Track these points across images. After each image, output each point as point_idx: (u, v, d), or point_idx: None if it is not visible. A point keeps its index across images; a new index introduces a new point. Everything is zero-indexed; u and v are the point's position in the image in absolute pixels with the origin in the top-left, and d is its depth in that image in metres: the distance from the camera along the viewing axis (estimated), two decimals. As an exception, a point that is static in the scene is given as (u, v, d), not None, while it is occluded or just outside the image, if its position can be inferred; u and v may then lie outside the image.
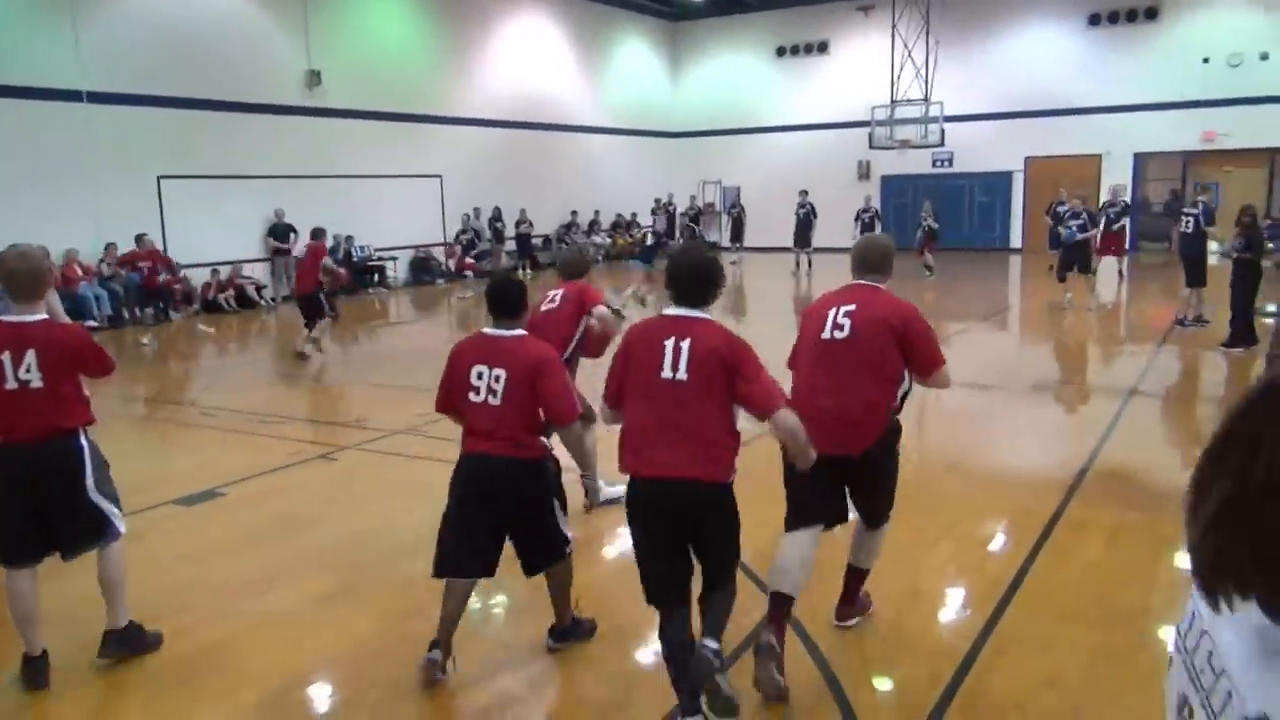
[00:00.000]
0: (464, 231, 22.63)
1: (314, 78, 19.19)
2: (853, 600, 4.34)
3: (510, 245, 23.62)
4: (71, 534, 4.02)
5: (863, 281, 4.19)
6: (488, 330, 3.99)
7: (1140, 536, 5.36)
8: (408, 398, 9.69)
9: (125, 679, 4.05)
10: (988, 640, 4.10)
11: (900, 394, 4.08)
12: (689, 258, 3.58)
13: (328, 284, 12.14)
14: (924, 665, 3.93)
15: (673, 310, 3.49)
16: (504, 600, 4.80)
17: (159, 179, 16.71)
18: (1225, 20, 22.87)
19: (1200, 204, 13.03)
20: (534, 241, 24.18)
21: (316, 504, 6.36)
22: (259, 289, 18.09)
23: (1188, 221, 12.95)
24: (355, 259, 19.70)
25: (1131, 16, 24.06)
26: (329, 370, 12.10)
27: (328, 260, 12.44)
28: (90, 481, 3.97)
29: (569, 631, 4.20)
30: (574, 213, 26.12)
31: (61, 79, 15.26)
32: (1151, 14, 23.86)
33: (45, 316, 3.93)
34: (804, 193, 22.38)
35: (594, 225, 26.73)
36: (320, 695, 3.97)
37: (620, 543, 5.31)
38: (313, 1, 19.11)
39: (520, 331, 3.99)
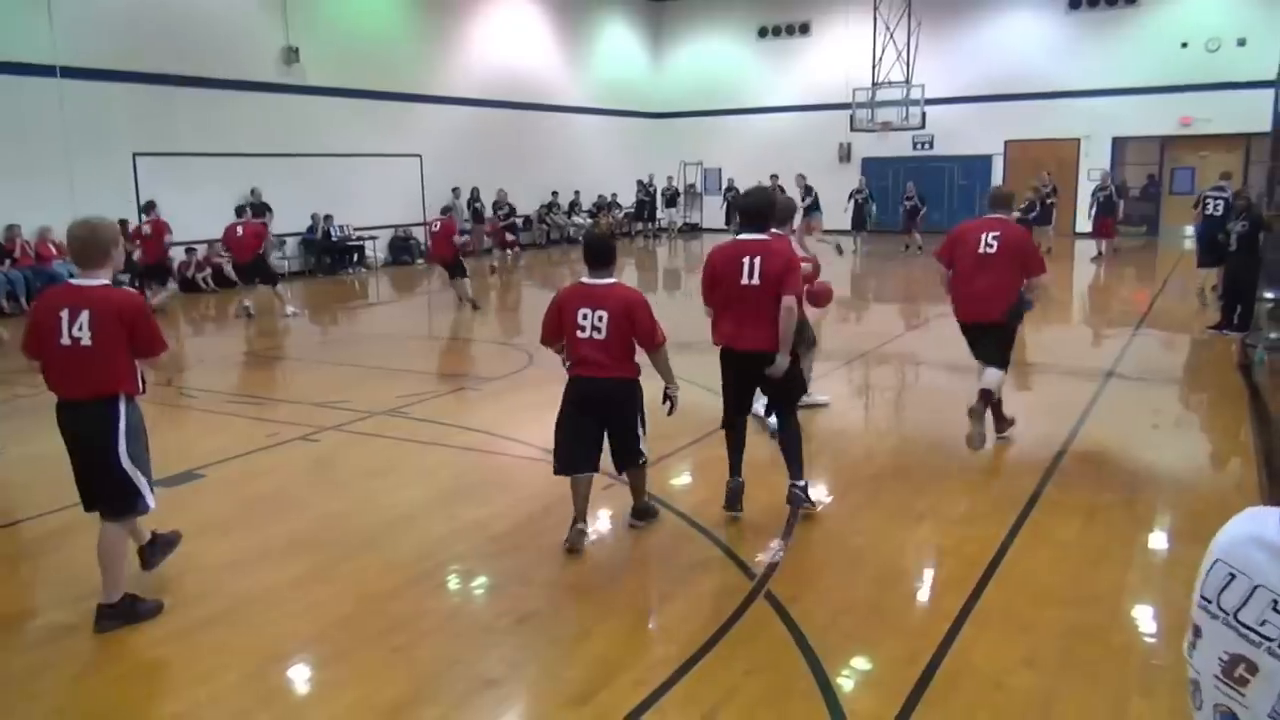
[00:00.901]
0: (499, 205, 22.61)
1: (292, 54, 18.97)
2: (1000, 419, 6.90)
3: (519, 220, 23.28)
4: (102, 495, 4.23)
5: (994, 215, 6.66)
6: (586, 280, 5.07)
7: (1116, 517, 5.43)
8: (389, 378, 9.66)
9: (105, 660, 4.03)
10: (967, 619, 4.15)
11: (1021, 290, 6.51)
12: (752, 197, 5.38)
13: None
14: (904, 644, 3.97)
15: (744, 235, 5.19)
16: (485, 581, 4.81)
17: (134, 156, 16.50)
18: (1203, 6, 23.00)
19: (1225, 188, 13.42)
20: (515, 221, 23.97)
21: (297, 486, 6.34)
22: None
23: (1216, 205, 13.11)
24: (334, 238, 19.55)
25: (1111, 1, 24.14)
26: (310, 350, 12.03)
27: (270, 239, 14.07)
28: (123, 446, 4.13)
29: (642, 512, 5.41)
30: (555, 193, 26.01)
31: (35, 54, 15.02)
32: (1131, -1, 23.95)
33: (106, 282, 4.16)
34: (774, 176, 22.76)
35: (574, 206, 26.63)
36: (300, 677, 3.96)
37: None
38: (290, -23, 18.87)
39: (612, 280, 5.08)
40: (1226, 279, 11.13)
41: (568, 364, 5.08)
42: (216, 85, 17.66)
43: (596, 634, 4.15)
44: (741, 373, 5.27)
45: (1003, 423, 6.89)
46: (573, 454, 5.02)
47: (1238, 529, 1.06)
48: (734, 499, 5.38)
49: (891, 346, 11.07)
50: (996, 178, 25.80)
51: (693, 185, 30.15)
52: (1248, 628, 1.01)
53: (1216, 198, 13.52)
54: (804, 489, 5.33)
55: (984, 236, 6.46)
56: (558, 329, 5.07)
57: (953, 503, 5.73)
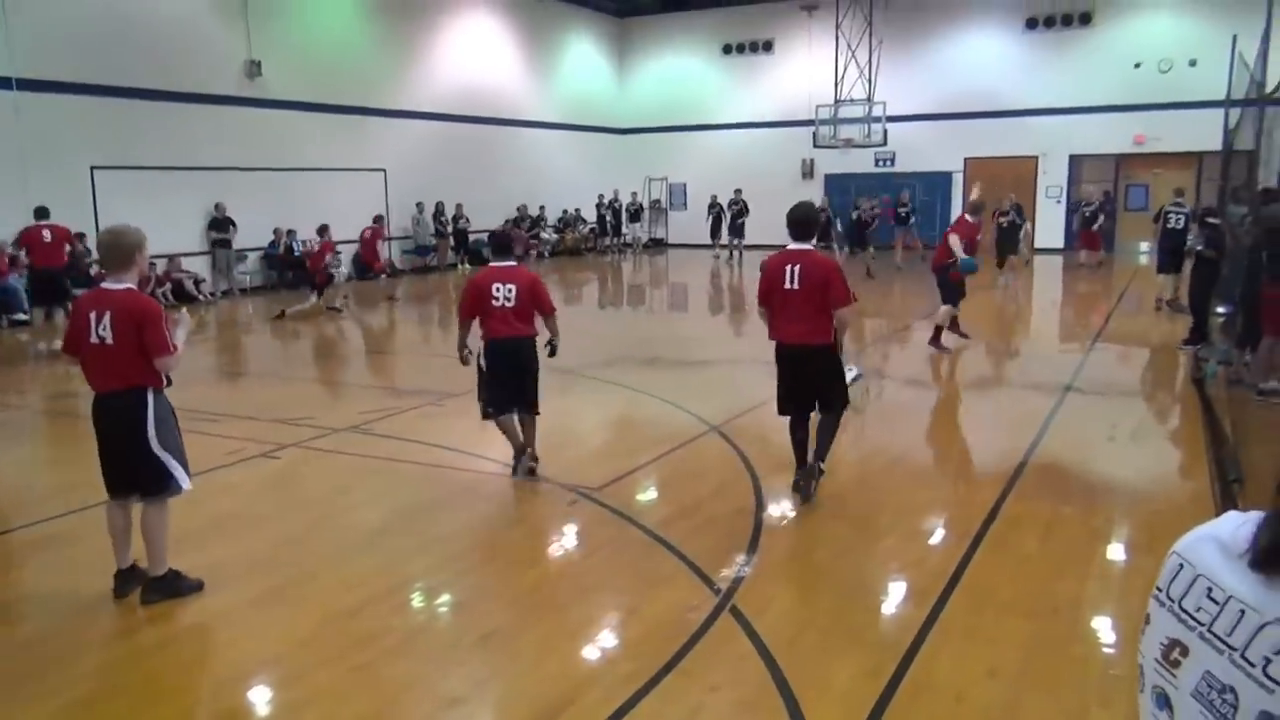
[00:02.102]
0: (521, 219, 24.73)
1: (254, 68, 18.82)
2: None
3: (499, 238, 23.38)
4: (138, 479, 4.61)
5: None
6: (495, 264, 6.53)
7: (1074, 529, 5.50)
8: (352, 394, 9.59)
9: (61, 682, 3.95)
10: (930, 632, 4.18)
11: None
12: (800, 210, 5.86)
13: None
14: (868, 657, 3.99)
15: (791, 246, 5.79)
16: (448, 599, 4.77)
17: (92, 169, 16.27)
18: (1156, 27, 23.53)
19: (1183, 203, 14.59)
20: (475, 237, 23.98)
21: (257, 503, 6.26)
22: (197, 282, 17.71)
23: (1178, 219, 14.15)
24: (296, 253, 19.36)
25: (1067, 21, 24.64)
26: (272, 366, 11.91)
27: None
28: (152, 434, 4.53)
29: (536, 457, 6.56)
30: (520, 208, 25.97)
31: (-11, 65, 14.78)
32: (1086, 19, 24.45)
33: (130, 286, 4.58)
34: (738, 190, 24.96)
35: (540, 220, 26.61)
36: (260, 699, 3.90)
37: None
38: (252, -10, 18.74)
39: (515, 263, 6.54)
40: (1190, 294, 11.38)
41: (484, 333, 6.38)
42: (177, 98, 17.47)
43: (561, 651, 4.14)
44: (791, 365, 5.88)
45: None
46: (499, 398, 6.38)
47: (1200, 529, 1.15)
48: (802, 488, 5.90)
49: (854, 361, 11.15)
50: (957, 194, 26.17)
51: (657, 201, 30.27)
52: (1186, 613, 1.10)
53: (1177, 212, 14.30)
54: (820, 468, 5.98)
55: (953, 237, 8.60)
56: (475, 306, 6.39)
57: (916, 516, 5.78)
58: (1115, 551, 5.33)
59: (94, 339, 4.47)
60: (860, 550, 5.26)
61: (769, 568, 4.98)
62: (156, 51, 17.05)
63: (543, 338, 6.54)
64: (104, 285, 4.62)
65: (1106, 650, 4.14)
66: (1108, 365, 10.76)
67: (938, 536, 5.49)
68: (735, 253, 25.02)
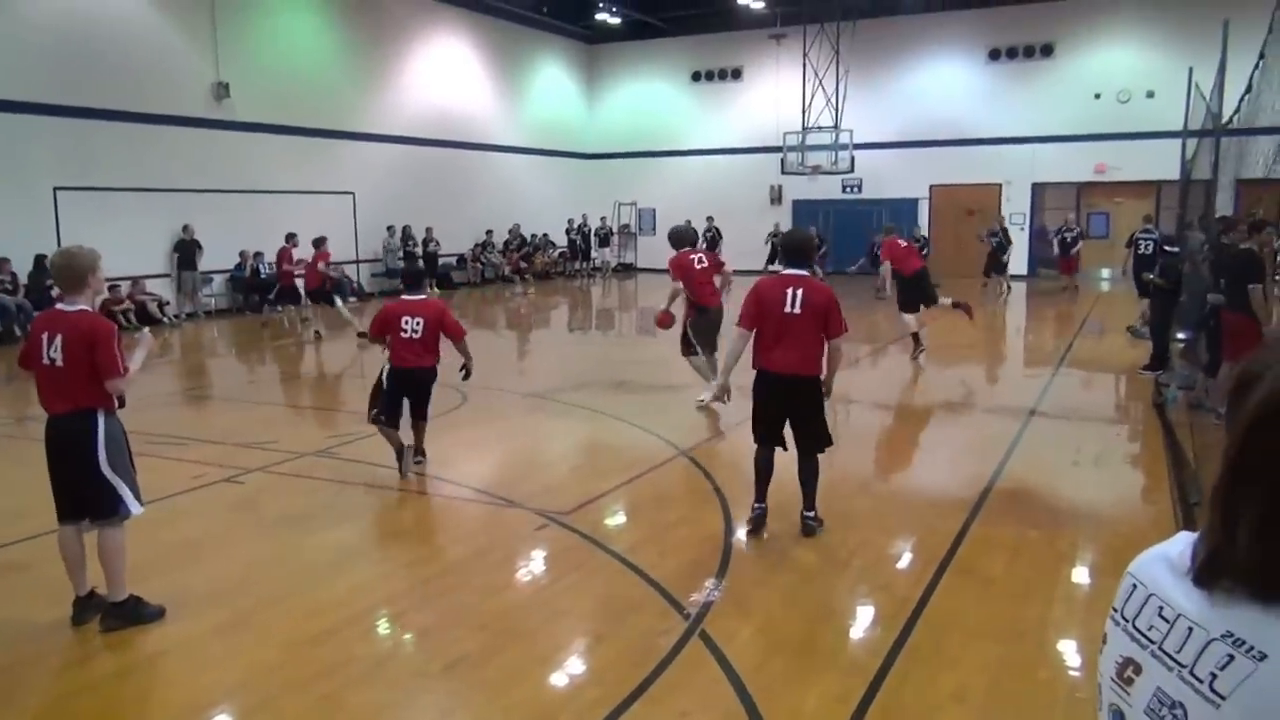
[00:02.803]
0: (514, 240, 25.68)
1: (222, 90, 18.73)
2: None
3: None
4: (87, 502, 4.54)
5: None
6: (406, 297, 7.10)
7: (1040, 553, 5.55)
8: (318, 418, 9.50)
9: (14, 714, 3.85)
10: (898, 657, 4.19)
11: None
12: (796, 236, 6.14)
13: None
14: (836, 683, 3.99)
15: (787, 270, 5.69)
16: (415, 625, 4.72)
17: (55, 190, 16.07)
18: (1115, 59, 24.06)
19: (1152, 230, 15.58)
20: (444, 261, 24.00)
21: (220, 529, 6.16)
22: (161, 305, 17.50)
23: (1147, 245, 15.11)
24: (263, 276, 19.21)
25: (1029, 53, 25.15)
26: (237, 390, 11.77)
27: None
28: (102, 456, 4.47)
29: (423, 452, 7.30)
30: (489, 232, 25.96)
31: (-50, 85, 14.60)
32: (1047, 51, 24.97)
33: (84, 308, 4.55)
34: (710, 218, 25.34)
35: (509, 244, 26.60)
36: (224, 727, 3.83)
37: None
38: (221, 12, 18.68)
39: (425, 296, 7.21)
40: (1150, 321, 11.58)
41: (390, 358, 6.98)
42: (143, 119, 17.33)
43: (529, 677, 4.10)
44: (779, 396, 5.63)
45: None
46: (392, 413, 6.98)
47: (1152, 549, 1.18)
48: (757, 525, 5.76)
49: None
50: (923, 221, 26.54)
51: (626, 225, 30.38)
52: (1139, 631, 1.12)
53: (1146, 238, 15.26)
54: (814, 517, 5.77)
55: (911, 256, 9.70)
56: (383, 330, 6.98)
57: (883, 540, 5.81)
58: (1080, 575, 5.38)
59: (45, 360, 4.45)
60: (828, 575, 5.27)
61: (738, 593, 4.97)
62: (122, 72, 16.93)
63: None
64: (58, 306, 4.61)
65: (1072, 673, 4.17)
66: (1072, 389, 10.91)
67: (905, 561, 5.52)
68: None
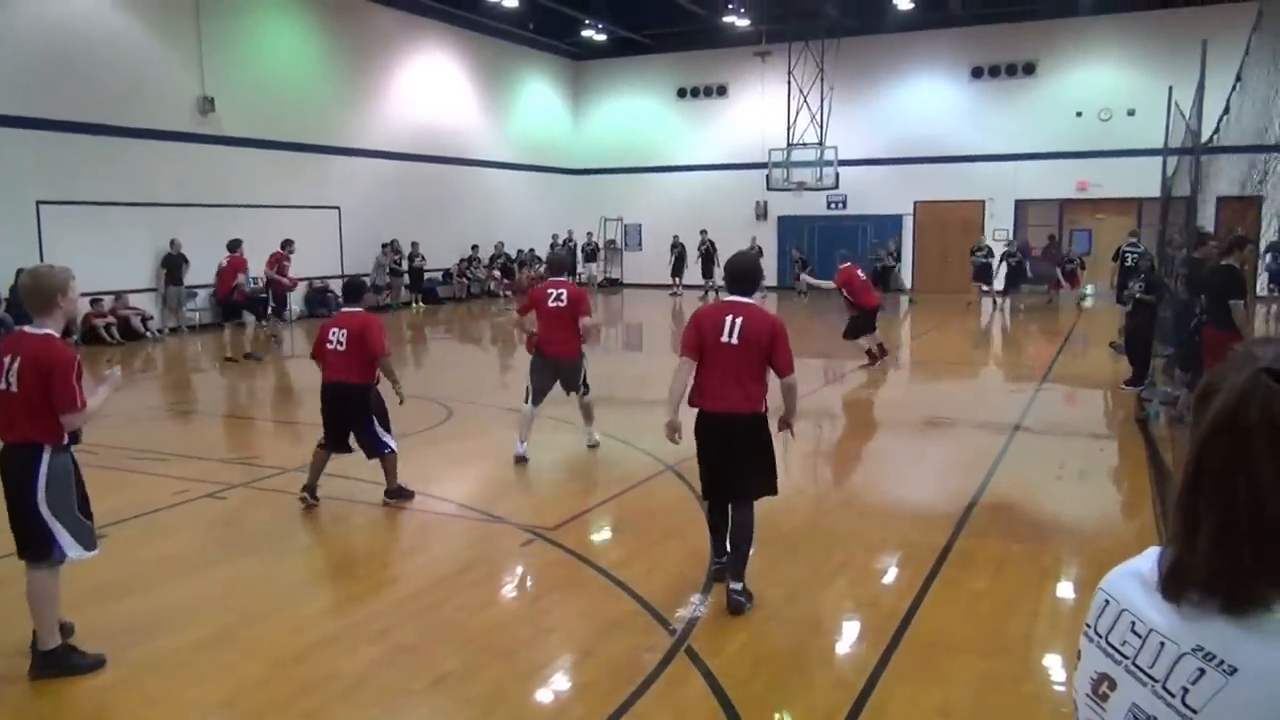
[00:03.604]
0: (498, 255, 25.91)
1: (207, 104, 18.69)
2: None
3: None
4: (20, 540, 4.22)
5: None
6: (344, 309, 6.85)
7: (1024, 568, 5.57)
8: (302, 433, 9.43)
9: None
10: (883, 672, 4.20)
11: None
12: (740, 260, 5.24)
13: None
14: (823, 698, 3.99)
15: (730, 296, 5.03)
16: (399, 642, 4.69)
17: (38, 204, 15.98)
18: (1096, 78, 24.32)
19: (1138, 244, 16.42)
20: (430, 276, 24.01)
21: (203, 545, 6.12)
22: (145, 319, 17.39)
23: (1132, 257, 15.72)
24: (248, 289, 19.10)
25: (1011, 71, 25.40)
26: (220, 405, 11.70)
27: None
28: (41, 495, 4.13)
29: (394, 493, 6.70)
30: (474, 247, 25.95)
31: (-69, 98, 14.51)
32: (1030, 69, 25.22)
33: (49, 332, 4.25)
34: (704, 232, 25.18)
35: (494, 259, 26.58)
36: (205, 746, 3.80)
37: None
38: (207, 27, 18.65)
39: (359, 309, 6.78)
40: (1126, 336, 11.66)
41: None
42: (128, 134, 17.26)
43: (514, 694, 4.08)
44: (718, 439, 4.91)
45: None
46: (326, 435, 6.65)
47: (1124, 565, 1.19)
48: (717, 577, 5.10)
49: (806, 401, 11.24)
50: (907, 236, 26.70)
51: (612, 241, 30.43)
52: (1113, 647, 1.13)
53: (1132, 251, 16.02)
54: (742, 591, 4.90)
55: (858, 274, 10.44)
56: (317, 349, 6.69)
57: (868, 555, 5.82)
58: (1065, 589, 5.40)
59: (2, 385, 4.15)
60: (814, 590, 5.27)
61: (723, 608, 4.96)
62: (107, 86, 16.87)
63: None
64: (24, 329, 4.33)
65: (1057, 688, 4.18)
66: (1055, 405, 10.97)
67: (890, 576, 5.52)
68: (710, 293, 24.55)
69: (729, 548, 4.99)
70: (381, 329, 6.71)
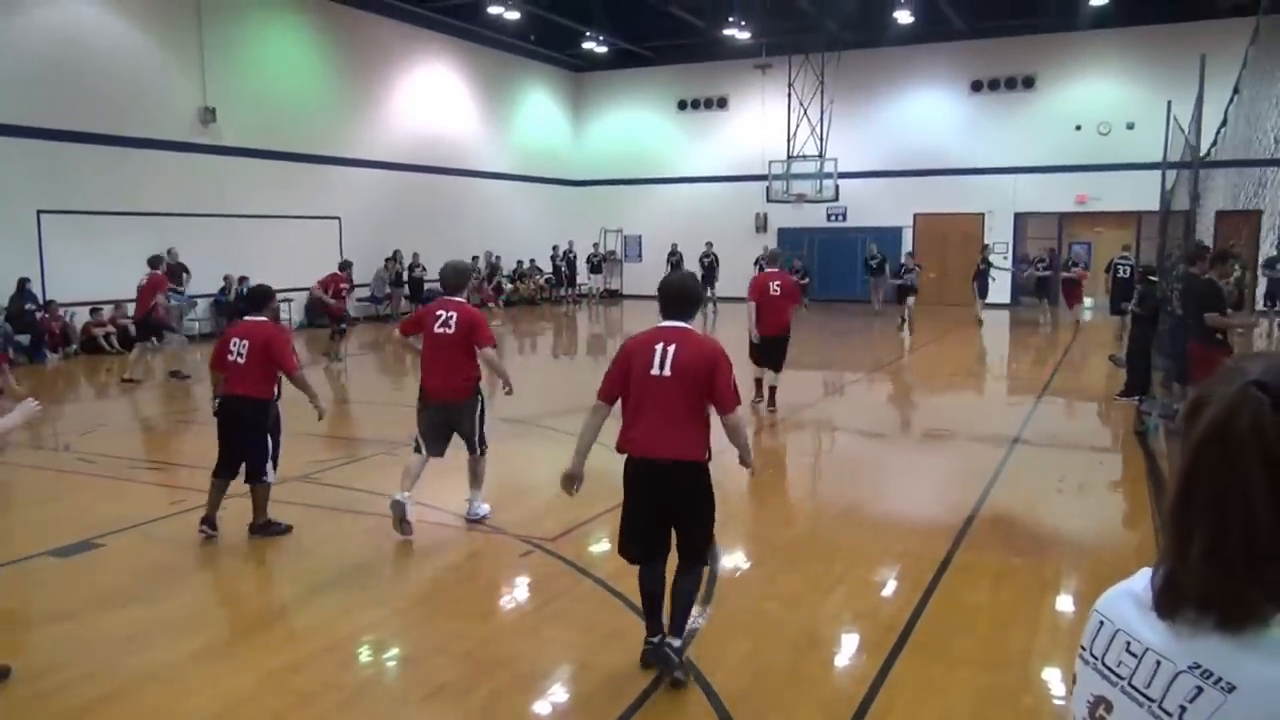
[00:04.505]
0: (487, 267, 25.60)
1: (209, 114, 18.74)
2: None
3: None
4: None
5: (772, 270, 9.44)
6: (247, 318, 6.38)
7: (1025, 580, 5.56)
8: (300, 443, 9.41)
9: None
10: (883, 684, 4.18)
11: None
12: (676, 281, 4.45)
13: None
14: (821, 710, 3.97)
15: (665, 322, 4.28)
16: (396, 653, 4.67)
17: (39, 213, 16.00)
18: (1095, 92, 24.41)
19: (1129, 256, 17.21)
20: (429, 286, 24.03)
21: (199, 555, 6.10)
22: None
23: (1124, 269, 16.58)
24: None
25: (1011, 84, 25.50)
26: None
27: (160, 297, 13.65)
28: None
29: (260, 528, 6.21)
30: (475, 258, 25.96)
31: (-67, 107, 14.55)
32: (1029, 83, 25.31)
33: None
34: (709, 244, 25.13)
35: (495, 271, 26.59)
36: (201, 757, 3.78)
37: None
38: (209, 37, 18.72)
39: (263, 319, 6.31)
40: (1128, 349, 11.69)
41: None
42: (129, 144, 17.31)
43: (511, 706, 4.06)
44: (649, 489, 4.17)
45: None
46: (220, 457, 6.19)
47: (1118, 585, 1.19)
48: (651, 662, 4.25)
49: (806, 413, 11.25)
50: (906, 249, 26.69)
51: (612, 252, 30.47)
52: (1108, 669, 1.13)
53: (1124, 264, 16.76)
54: (679, 649, 4.17)
55: (770, 285, 10.22)
56: (217, 361, 6.26)
57: (867, 568, 5.80)
58: (1064, 602, 5.38)
59: None
60: (813, 602, 5.25)
61: (722, 620, 4.95)
62: (109, 96, 16.93)
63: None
64: None
65: (1057, 701, 4.17)
66: (1055, 417, 10.96)
67: (890, 588, 5.51)
68: (714, 305, 24.52)
69: (670, 600, 4.22)
70: (288, 344, 6.33)
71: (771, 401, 10.55)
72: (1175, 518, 1.08)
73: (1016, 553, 6.03)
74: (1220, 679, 1.00)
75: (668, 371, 4.07)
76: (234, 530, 6.62)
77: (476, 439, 6.40)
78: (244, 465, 6.20)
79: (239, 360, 6.11)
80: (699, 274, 24.77)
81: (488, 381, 6.53)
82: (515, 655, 4.55)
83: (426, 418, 6.38)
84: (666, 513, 4.18)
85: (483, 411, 6.44)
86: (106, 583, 5.50)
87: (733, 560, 5.88)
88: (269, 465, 6.22)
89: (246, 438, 6.16)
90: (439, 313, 6.27)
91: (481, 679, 4.31)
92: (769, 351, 10.50)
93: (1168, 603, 1.08)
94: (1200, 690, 1.01)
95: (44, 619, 4.65)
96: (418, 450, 6.35)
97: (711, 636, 4.72)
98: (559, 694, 4.25)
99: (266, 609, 5.10)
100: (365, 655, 4.63)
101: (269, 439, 6.20)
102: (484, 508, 6.63)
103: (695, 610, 4.99)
